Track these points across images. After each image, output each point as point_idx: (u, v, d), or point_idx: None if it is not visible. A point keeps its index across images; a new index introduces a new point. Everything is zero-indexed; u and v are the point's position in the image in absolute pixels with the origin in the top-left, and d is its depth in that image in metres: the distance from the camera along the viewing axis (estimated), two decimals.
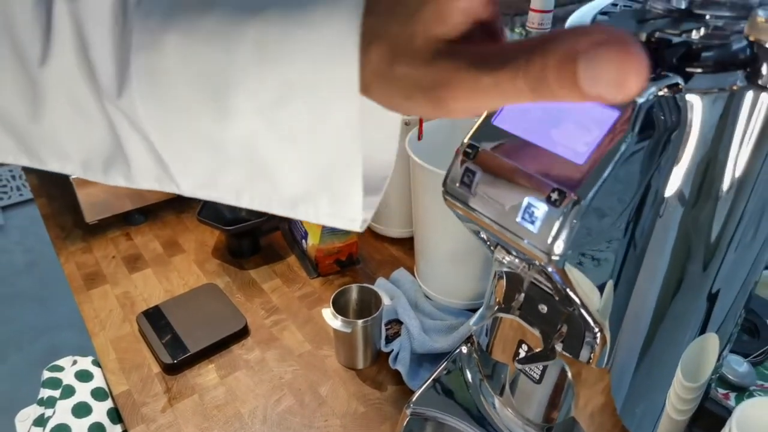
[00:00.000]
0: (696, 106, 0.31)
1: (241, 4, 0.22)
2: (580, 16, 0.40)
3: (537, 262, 0.33)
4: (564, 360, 0.43)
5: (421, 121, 0.67)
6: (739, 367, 0.61)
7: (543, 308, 0.42)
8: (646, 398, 0.45)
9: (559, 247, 0.29)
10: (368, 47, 0.20)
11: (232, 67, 0.21)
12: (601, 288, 0.35)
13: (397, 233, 0.84)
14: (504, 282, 0.44)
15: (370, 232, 0.86)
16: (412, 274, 0.76)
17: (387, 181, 0.27)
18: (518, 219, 0.30)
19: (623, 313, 0.38)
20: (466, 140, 0.33)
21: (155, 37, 0.22)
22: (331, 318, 0.62)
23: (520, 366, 0.43)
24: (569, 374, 0.43)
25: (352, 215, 0.24)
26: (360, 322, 0.61)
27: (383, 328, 0.67)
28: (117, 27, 0.23)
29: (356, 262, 0.81)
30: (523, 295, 0.43)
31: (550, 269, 0.31)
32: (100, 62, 0.23)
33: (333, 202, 0.24)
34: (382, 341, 0.66)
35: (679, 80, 0.31)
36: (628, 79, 0.16)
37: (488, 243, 0.38)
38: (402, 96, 0.20)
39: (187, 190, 0.26)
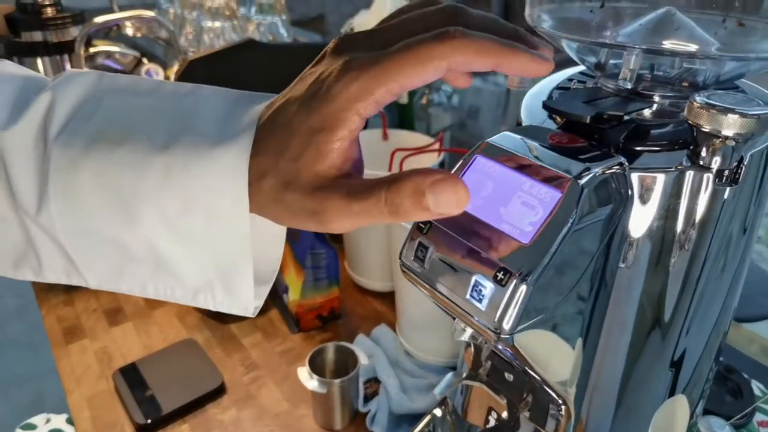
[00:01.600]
0: (645, 183, 0.32)
1: (149, 140, 0.26)
2: (538, 89, 0.42)
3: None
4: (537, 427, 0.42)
5: None
6: (720, 430, 0.60)
7: (509, 376, 0.42)
8: None
9: (507, 325, 0.29)
10: (260, 179, 0.25)
11: (141, 186, 0.26)
12: (561, 357, 0.35)
13: (380, 287, 0.84)
14: (471, 349, 0.44)
15: (353, 284, 0.86)
16: (394, 330, 0.76)
17: (275, 274, 0.32)
18: (467, 296, 0.30)
19: (587, 382, 0.38)
20: None
21: (73, 162, 0.26)
22: (306, 378, 0.61)
23: None
24: None
25: (245, 304, 0.29)
26: (337, 381, 0.60)
27: (361, 387, 0.66)
28: (37, 154, 0.27)
29: (338, 317, 0.80)
30: (489, 363, 0.43)
31: (500, 347, 0.31)
32: (21, 184, 0.27)
33: (228, 293, 0.29)
34: (360, 400, 0.65)
35: (623, 160, 0.32)
36: (460, 199, 0.24)
37: (449, 314, 0.39)
38: (290, 216, 0.26)
39: (94, 283, 0.30)
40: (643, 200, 0.33)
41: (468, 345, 0.44)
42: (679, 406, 0.44)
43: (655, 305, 0.36)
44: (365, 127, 0.93)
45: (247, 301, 0.29)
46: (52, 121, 0.27)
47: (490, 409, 0.45)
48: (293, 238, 0.74)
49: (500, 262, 0.30)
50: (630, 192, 0.32)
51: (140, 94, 0.29)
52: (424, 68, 0.24)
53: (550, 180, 0.30)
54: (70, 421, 0.64)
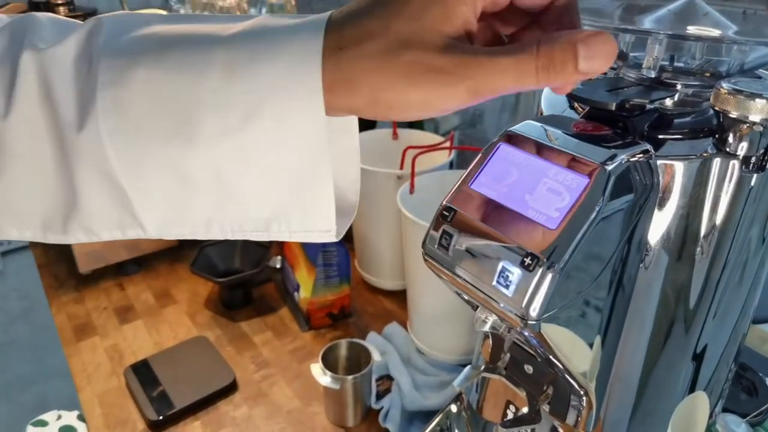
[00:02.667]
0: (669, 171, 0.32)
1: (207, 35, 0.23)
2: None
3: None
4: (554, 421, 0.42)
5: (412, 175, 0.68)
6: (737, 427, 0.60)
7: (529, 369, 0.41)
8: None
9: (534, 311, 0.29)
10: (360, 43, 0.22)
11: (200, 91, 0.22)
12: (583, 350, 0.35)
13: (391, 285, 0.83)
14: (490, 341, 0.44)
15: (363, 283, 0.86)
16: (405, 328, 0.75)
17: (357, 196, 0.29)
18: (494, 283, 0.30)
19: (608, 375, 0.37)
20: (443, 203, 0.34)
21: (123, 72, 0.23)
22: (320, 374, 0.61)
23: (505, 430, 0.42)
24: None
25: (326, 226, 0.25)
26: (350, 378, 0.60)
27: (374, 384, 0.66)
28: (83, 67, 0.24)
29: (349, 315, 0.80)
30: (508, 355, 0.43)
31: (526, 333, 0.31)
32: (64, 102, 0.23)
33: (305, 217, 0.25)
34: (373, 397, 0.65)
35: (649, 147, 0.32)
36: (609, 50, 0.22)
37: (470, 304, 0.38)
38: (408, 80, 0.21)
39: (153, 229, 0.26)
40: (669, 189, 0.32)
41: (486, 337, 0.43)
42: (700, 404, 0.44)
43: (679, 296, 0.35)
44: (373, 126, 0.92)
45: (328, 223, 0.25)
46: (99, 35, 0.24)
47: (508, 403, 0.45)
48: None
49: (527, 248, 0.29)
50: (656, 180, 0.32)
51: (196, 18, 0.25)
52: None
53: (576, 166, 0.30)
54: (81, 418, 0.64)
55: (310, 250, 0.74)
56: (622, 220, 0.31)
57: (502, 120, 1.06)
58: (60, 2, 0.81)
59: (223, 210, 0.25)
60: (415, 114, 0.23)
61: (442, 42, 0.22)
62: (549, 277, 0.29)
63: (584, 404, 0.37)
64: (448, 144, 0.76)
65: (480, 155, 0.35)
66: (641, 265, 0.34)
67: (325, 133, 0.23)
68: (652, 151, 0.32)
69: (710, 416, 0.45)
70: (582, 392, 0.36)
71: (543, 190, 0.31)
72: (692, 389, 0.42)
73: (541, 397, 0.40)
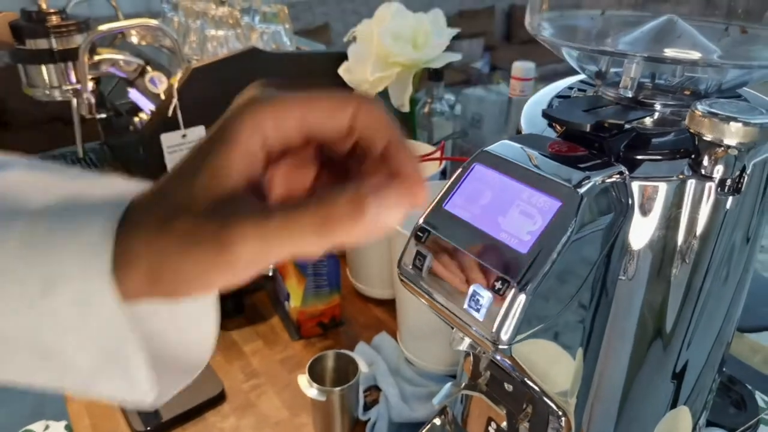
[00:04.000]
0: (646, 192, 0.32)
1: (10, 205, 0.22)
2: (539, 98, 0.42)
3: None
4: None
5: None
6: None
7: (509, 387, 0.41)
8: None
9: (505, 335, 0.29)
10: (132, 231, 0.21)
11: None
12: (561, 368, 0.35)
13: (382, 294, 0.83)
14: (471, 358, 0.43)
15: (354, 292, 0.86)
16: (395, 337, 0.75)
17: (204, 357, 0.27)
18: (465, 306, 0.30)
19: (588, 393, 0.37)
20: (418, 223, 0.34)
21: None
22: (306, 386, 0.61)
23: None
24: None
25: (142, 395, 0.24)
26: (337, 390, 0.60)
27: (361, 395, 0.66)
28: None
29: (340, 324, 0.80)
30: (488, 373, 0.42)
31: (498, 357, 0.31)
32: None
33: (120, 387, 0.24)
34: (360, 409, 0.65)
35: (623, 169, 0.31)
36: (417, 196, 0.21)
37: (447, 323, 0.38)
38: (180, 250, 0.20)
39: None
40: (644, 210, 0.32)
41: (467, 354, 0.43)
42: (682, 418, 0.43)
43: (657, 316, 0.35)
44: None
45: (144, 391, 0.24)
46: None
47: (489, 420, 0.45)
48: None
49: (498, 272, 0.29)
50: (630, 201, 0.32)
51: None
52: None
53: (549, 189, 0.30)
54: (69, 428, 0.64)
55: (300, 258, 0.74)
56: (597, 242, 0.31)
57: (500, 124, 1.06)
58: (52, 11, 0.81)
59: (45, 363, 0.23)
60: (200, 291, 0.21)
61: (211, 205, 0.20)
62: (520, 301, 0.28)
63: (563, 425, 0.37)
64: (438, 154, 0.75)
65: (455, 174, 0.35)
66: (618, 284, 0.33)
67: (123, 316, 0.21)
68: (627, 172, 0.31)
69: (694, 428, 0.45)
70: (560, 413, 0.36)
71: (515, 212, 0.31)
72: (674, 404, 0.41)
73: (521, 416, 0.40)
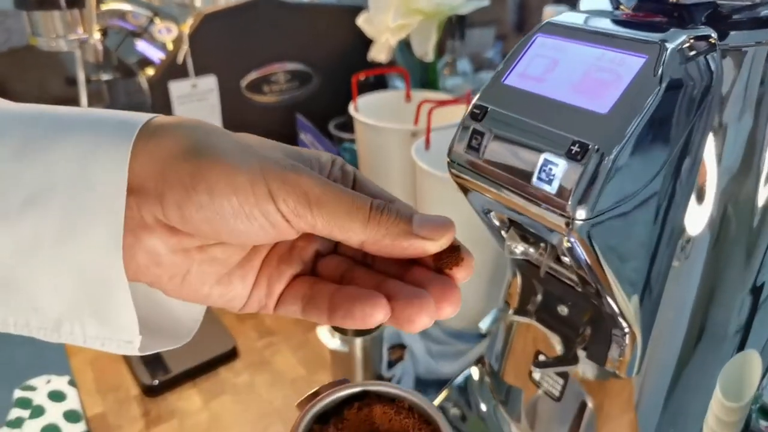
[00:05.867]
0: (735, 60, 0.28)
1: (9, 113, 0.20)
2: None
3: (555, 240, 0.28)
4: (586, 386, 0.38)
5: (428, 130, 0.64)
6: None
7: (563, 310, 0.37)
8: (680, 419, 0.39)
9: (582, 208, 0.25)
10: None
11: None
12: (631, 270, 0.30)
13: None
14: (519, 281, 0.39)
15: None
16: None
17: (195, 325, 0.26)
18: (533, 180, 0.26)
19: (656, 308, 0.33)
20: (473, 102, 0.30)
21: None
22: (327, 336, 0.57)
23: (538, 370, 0.38)
24: (590, 403, 0.37)
25: (127, 336, 0.21)
26: (359, 339, 0.56)
27: (385, 351, 0.61)
28: None
29: None
30: (539, 296, 0.38)
31: (571, 240, 0.26)
32: None
33: (101, 325, 0.21)
34: (384, 365, 0.61)
35: (711, 32, 0.27)
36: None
37: (499, 227, 0.34)
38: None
39: None
40: (733, 79, 0.28)
41: (514, 275, 0.39)
42: (752, 362, 0.39)
43: (741, 213, 0.31)
44: (385, 87, 0.88)
45: (129, 334, 0.21)
46: None
47: (537, 353, 0.40)
48: None
49: (574, 136, 0.25)
50: (719, 70, 0.28)
51: None
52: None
53: (630, 47, 0.26)
54: (72, 383, 0.60)
55: None
56: (684, 112, 0.27)
57: None
58: None
59: (5, 301, 0.20)
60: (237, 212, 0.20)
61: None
62: (600, 166, 0.24)
63: (627, 340, 0.33)
64: (465, 99, 0.71)
65: (511, 52, 0.31)
66: (702, 165, 0.29)
67: (120, 239, 0.19)
68: (715, 36, 0.27)
69: (762, 380, 0.41)
70: (625, 324, 0.32)
71: (591, 76, 0.27)
72: (743, 345, 0.37)
73: (578, 340, 0.36)
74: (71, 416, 0.56)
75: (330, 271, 0.24)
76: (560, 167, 0.25)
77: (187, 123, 0.21)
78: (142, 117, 0.21)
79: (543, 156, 0.26)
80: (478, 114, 0.29)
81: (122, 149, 0.19)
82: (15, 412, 0.56)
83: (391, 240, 0.21)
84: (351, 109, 0.72)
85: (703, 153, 0.29)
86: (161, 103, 0.75)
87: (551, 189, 0.25)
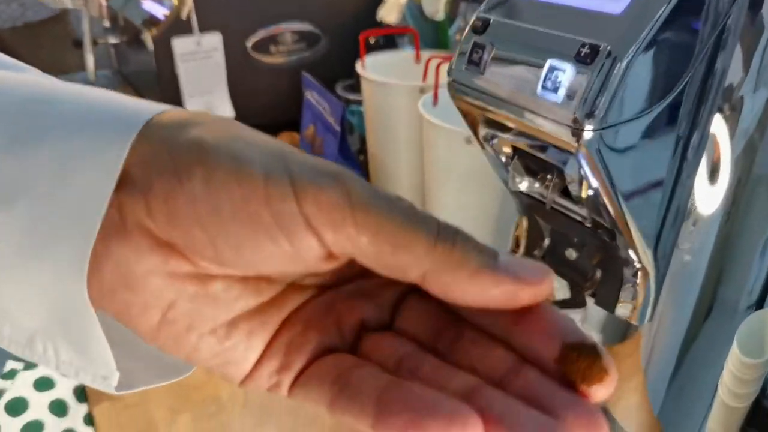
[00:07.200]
0: None
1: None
2: None
3: (561, 162, 0.26)
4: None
5: (436, 86, 0.61)
6: None
7: (571, 254, 0.35)
8: (693, 381, 0.37)
9: (592, 116, 0.23)
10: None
11: None
12: (646, 199, 0.28)
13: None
14: (525, 225, 0.37)
15: None
16: None
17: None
18: (538, 90, 0.24)
19: (671, 251, 0.31)
20: (475, 15, 0.28)
21: None
22: None
23: None
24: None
25: (102, 371, 0.17)
26: None
27: None
28: None
29: None
30: (547, 240, 0.36)
31: (579, 158, 0.24)
32: None
33: (76, 352, 0.17)
34: None
35: None
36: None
37: (504, 162, 0.32)
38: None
39: None
40: None
41: (519, 221, 0.37)
42: None
43: None
44: (395, 46, 0.86)
45: (105, 369, 0.17)
46: None
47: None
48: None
49: (583, 38, 0.23)
50: None
51: None
52: None
53: None
54: None
55: None
56: (709, 16, 0.24)
57: None
58: None
59: None
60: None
61: None
62: (612, 71, 0.22)
63: (639, 280, 0.30)
64: None
65: None
66: (725, 88, 0.27)
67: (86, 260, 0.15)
68: None
69: None
70: (636, 260, 0.30)
71: None
72: (762, 302, 0.35)
73: (587, 285, 0.34)
74: None
75: (381, 352, 0.17)
76: (567, 73, 0.23)
77: (197, 112, 0.17)
78: (144, 114, 0.16)
79: (549, 62, 0.23)
80: (479, 27, 0.27)
81: (112, 156, 0.15)
82: (9, 365, 0.56)
83: (468, 274, 0.15)
84: (358, 66, 0.70)
85: (729, 69, 0.26)
86: (165, 61, 0.74)
87: (557, 98, 0.23)
